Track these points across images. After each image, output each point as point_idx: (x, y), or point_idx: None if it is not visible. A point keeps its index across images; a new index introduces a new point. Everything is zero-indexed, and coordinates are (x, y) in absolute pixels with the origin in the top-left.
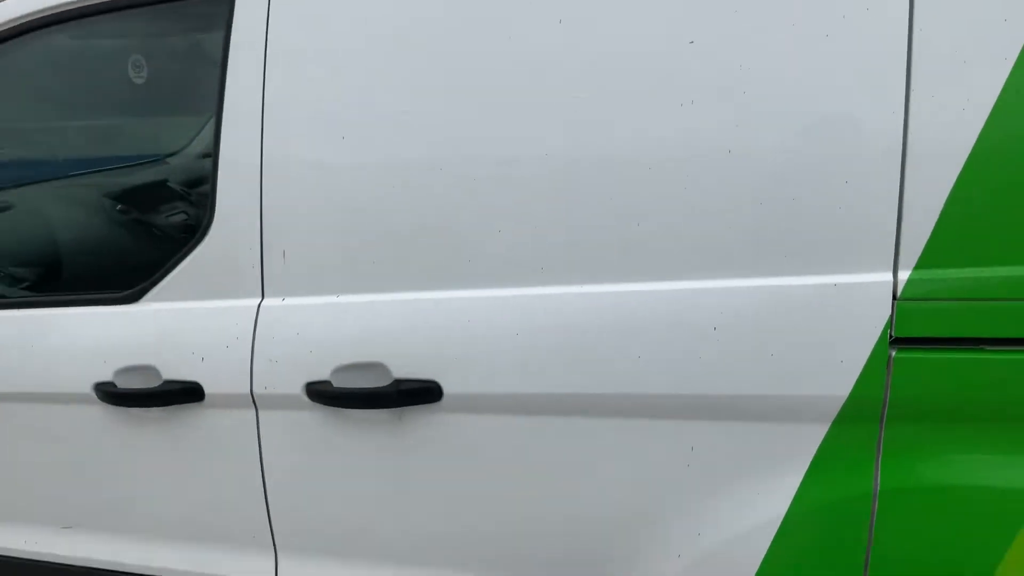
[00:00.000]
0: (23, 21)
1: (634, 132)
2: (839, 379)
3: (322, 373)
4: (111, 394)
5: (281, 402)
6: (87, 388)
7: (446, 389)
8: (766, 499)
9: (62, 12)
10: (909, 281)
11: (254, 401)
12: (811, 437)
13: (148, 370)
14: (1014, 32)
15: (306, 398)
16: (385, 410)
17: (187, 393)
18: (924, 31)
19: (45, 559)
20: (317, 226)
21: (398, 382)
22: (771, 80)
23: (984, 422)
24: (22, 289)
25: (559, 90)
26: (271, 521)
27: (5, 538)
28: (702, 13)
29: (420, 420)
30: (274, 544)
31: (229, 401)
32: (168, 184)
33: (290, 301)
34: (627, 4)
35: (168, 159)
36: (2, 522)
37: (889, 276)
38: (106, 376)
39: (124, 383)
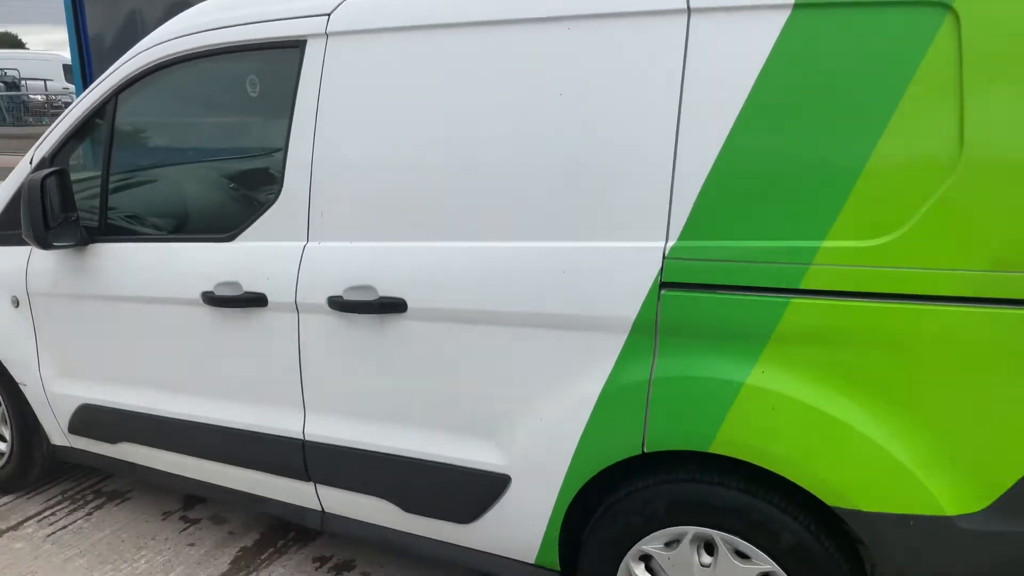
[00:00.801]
0: (185, 52)
1: (529, 152)
2: (632, 305)
3: (337, 290)
4: (211, 299)
5: (313, 308)
6: (197, 295)
7: (409, 304)
8: (592, 380)
9: (212, 48)
10: (672, 247)
11: (297, 307)
12: (618, 341)
13: (235, 284)
14: (742, 86)
15: (327, 306)
16: (373, 316)
17: (257, 300)
18: (688, 93)
19: (158, 414)
20: (341, 197)
21: (381, 298)
22: (609, 122)
23: (714, 336)
24: (165, 230)
25: (491, 126)
26: (303, 389)
27: (132, 398)
28: (566, 82)
29: (394, 323)
30: (304, 405)
31: (282, 307)
32: (255, 169)
33: (323, 244)
34: (524, 83)
35: (255, 152)
36: (129, 387)
37: (662, 244)
38: (209, 287)
39: (220, 292)
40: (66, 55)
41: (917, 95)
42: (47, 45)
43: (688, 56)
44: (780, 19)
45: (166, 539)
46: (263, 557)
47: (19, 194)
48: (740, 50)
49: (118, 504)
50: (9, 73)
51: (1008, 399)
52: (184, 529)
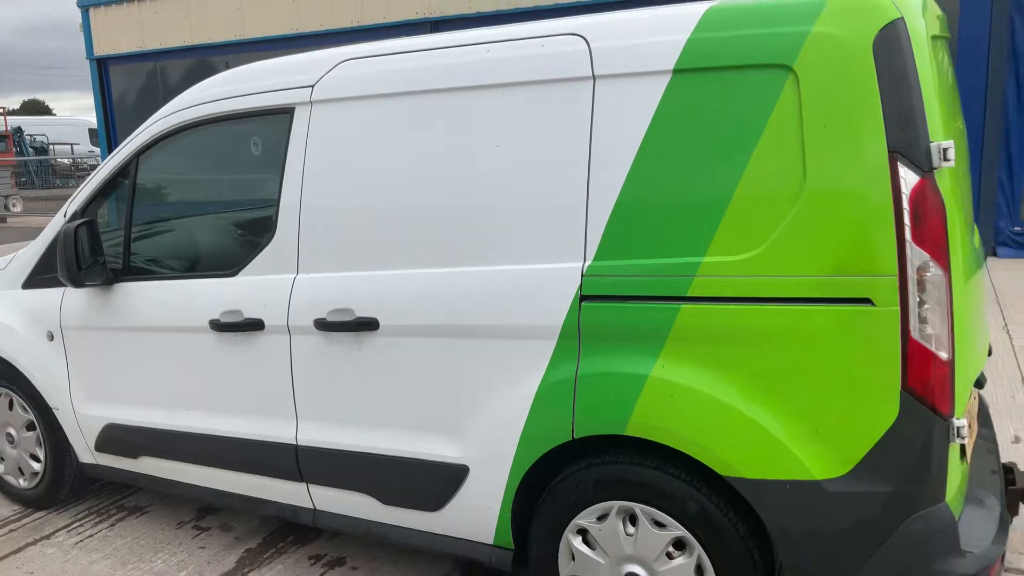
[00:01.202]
0: (194, 120)
1: (472, 193)
2: (560, 315)
3: (322, 313)
4: (217, 325)
5: (302, 330)
6: (205, 323)
7: (381, 322)
8: (530, 379)
9: (217, 116)
10: (588, 267)
11: (289, 329)
12: (549, 346)
13: (237, 312)
14: (636, 137)
15: (314, 327)
16: (351, 333)
17: (256, 324)
18: (595, 143)
19: (173, 429)
20: (324, 237)
21: (358, 318)
22: (536, 168)
23: (624, 338)
24: (178, 270)
25: (444, 174)
26: (295, 400)
27: (150, 416)
28: (503, 137)
29: (369, 340)
30: (296, 415)
31: (276, 329)
32: (254, 216)
33: (311, 275)
34: (468, 138)
35: (255, 201)
36: (148, 407)
37: (580, 264)
38: (216, 316)
39: (224, 319)
40: (92, 120)
41: (770, 139)
42: (73, 111)
43: (595, 113)
44: (664, 81)
45: (180, 544)
46: (265, 556)
47: (55, 243)
48: (634, 107)
49: (138, 516)
50: (38, 139)
51: (854, 379)
52: (196, 535)
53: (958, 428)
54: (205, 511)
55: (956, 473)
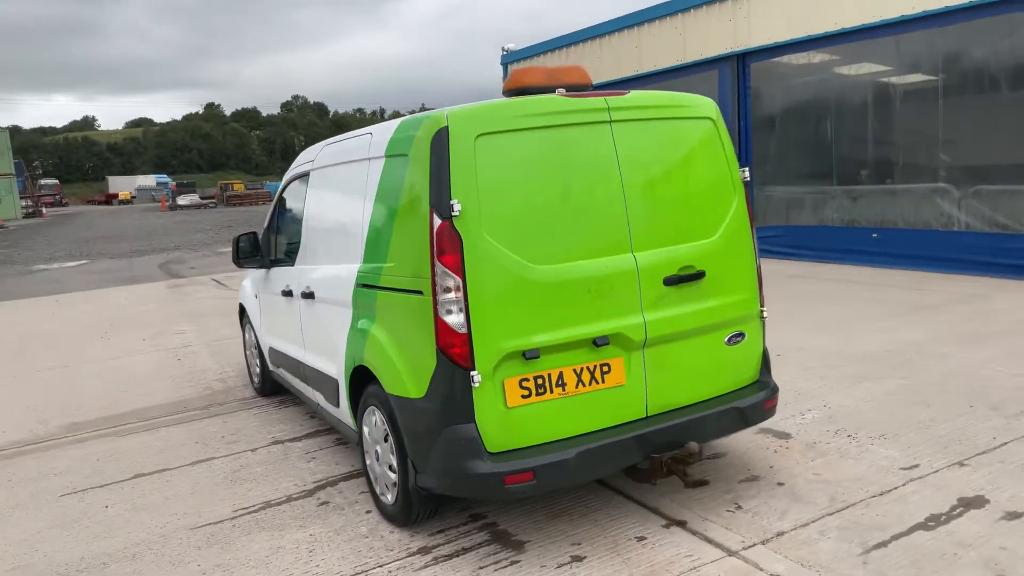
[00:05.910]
0: (288, 180)
1: (340, 224)
2: (349, 294)
3: (304, 288)
4: (282, 292)
5: (300, 296)
6: (279, 292)
7: (316, 294)
8: (345, 329)
9: (295, 177)
10: (359, 268)
11: (299, 296)
12: (349, 311)
13: (286, 285)
14: (373, 198)
15: (302, 296)
16: (309, 299)
17: (290, 293)
18: (366, 195)
19: (277, 349)
20: (309, 245)
21: (311, 291)
22: (351, 210)
23: (365, 309)
24: (284, 262)
25: (327, 213)
26: (303, 334)
27: (275, 343)
28: (347, 189)
29: (313, 303)
30: (304, 344)
31: (296, 296)
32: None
33: (306, 266)
34: (337, 190)
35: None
36: (274, 337)
37: (358, 265)
38: (283, 288)
39: (283, 289)
40: None
41: (403, 198)
42: None
43: (368, 178)
44: (383, 161)
45: (297, 420)
46: (322, 433)
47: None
48: (376, 175)
49: (295, 407)
50: None
51: (420, 339)
52: (309, 418)
53: (472, 376)
54: None
55: (492, 408)
